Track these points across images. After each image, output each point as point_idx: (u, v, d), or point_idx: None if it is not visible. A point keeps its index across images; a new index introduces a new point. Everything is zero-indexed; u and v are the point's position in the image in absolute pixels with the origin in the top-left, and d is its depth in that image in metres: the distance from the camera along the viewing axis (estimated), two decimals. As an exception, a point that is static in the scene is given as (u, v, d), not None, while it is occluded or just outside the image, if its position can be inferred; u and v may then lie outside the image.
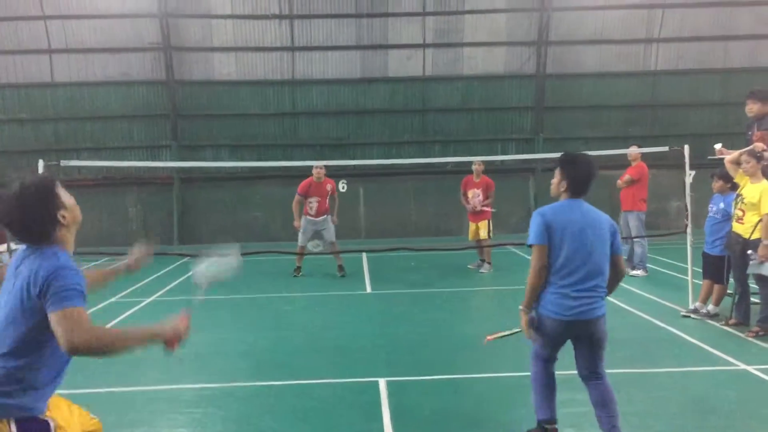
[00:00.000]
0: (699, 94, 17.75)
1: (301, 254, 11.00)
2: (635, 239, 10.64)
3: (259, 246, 12.49)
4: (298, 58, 17.37)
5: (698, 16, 17.36)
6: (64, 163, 7.20)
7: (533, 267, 3.96)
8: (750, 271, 6.70)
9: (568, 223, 3.93)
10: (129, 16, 16.45)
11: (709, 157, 7.80)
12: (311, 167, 11.07)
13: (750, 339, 6.58)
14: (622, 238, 11.10)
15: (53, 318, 2.49)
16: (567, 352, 4.14)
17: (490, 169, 12.14)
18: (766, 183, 6.67)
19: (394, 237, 16.74)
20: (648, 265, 10.72)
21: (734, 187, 7.12)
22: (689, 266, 8.01)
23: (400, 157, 16.80)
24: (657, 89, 17.92)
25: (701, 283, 7.65)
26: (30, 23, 16.51)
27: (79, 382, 5.13)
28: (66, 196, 2.80)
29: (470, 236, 11.66)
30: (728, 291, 7.43)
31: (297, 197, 10.89)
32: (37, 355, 2.61)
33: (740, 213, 6.81)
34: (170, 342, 2.75)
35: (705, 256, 7.53)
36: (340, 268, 11.09)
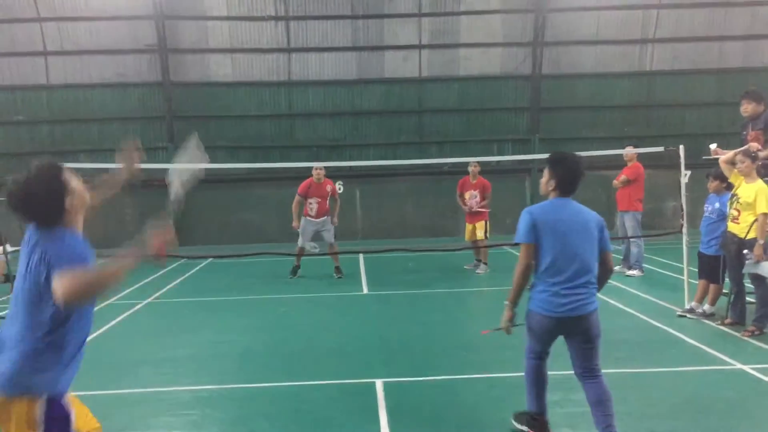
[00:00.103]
0: (694, 94, 17.80)
1: (300, 255, 10.97)
2: (631, 239, 10.66)
3: (255, 248, 12.48)
4: (294, 60, 17.37)
5: (693, 16, 17.41)
6: (59, 165, 7.18)
7: (519, 264, 4.07)
8: (746, 270, 6.72)
9: (556, 222, 3.99)
10: (125, 18, 16.42)
11: (705, 157, 7.82)
12: (308, 168, 11.06)
13: (746, 338, 6.60)
14: (619, 238, 11.19)
15: (53, 283, 2.63)
16: (563, 352, 4.15)
17: (486, 169, 12.15)
18: (761, 182, 6.70)
19: (391, 238, 16.74)
20: (644, 265, 10.74)
21: (730, 187, 7.13)
22: (685, 266, 8.03)
23: (397, 158, 16.78)
24: (652, 89, 17.97)
25: (697, 282, 7.66)
26: (25, 25, 16.47)
27: (75, 384, 5.11)
28: (73, 182, 2.93)
29: (467, 237, 11.68)
30: (724, 291, 7.44)
31: (297, 198, 10.87)
32: (61, 331, 2.78)
33: (736, 213, 6.83)
34: (155, 254, 2.82)
35: (701, 255, 7.55)
36: (338, 269, 11.08)
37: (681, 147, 8.03)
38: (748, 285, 7.00)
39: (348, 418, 4.77)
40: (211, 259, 13.07)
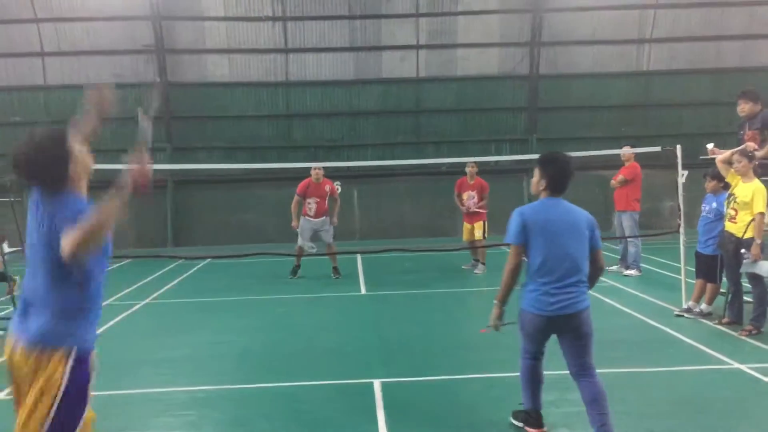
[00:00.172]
0: (691, 94, 17.83)
1: (299, 255, 10.95)
2: (629, 239, 10.67)
3: (253, 248, 12.46)
4: (291, 60, 17.37)
5: (690, 16, 17.45)
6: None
7: (508, 264, 4.11)
8: (743, 270, 6.73)
9: (546, 222, 4.03)
10: (122, 19, 16.42)
11: (702, 157, 7.83)
12: (306, 169, 11.05)
13: (743, 338, 6.61)
14: (616, 237, 11.21)
15: (61, 244, 2.70)
16: (559, 352, 4.16)
17: (484, 169, 12.17)
18: (758, 182, 6.71)
19: (389, 238, 16.74)
20: (641, 264, 10.75)
21: (727, 186, 7.14)
22: (682, 266, 8.04)
23: (394, 158, 16.78)
24: (649, 89, 18.00)
25: (694, 282, 7.68)
26: (22, 26, 16.46)
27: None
28: (77, 148, 3.00)
29: (464, 236, 11.69)
30: (721, 290, 7.46)
31: (296, 198, 10.86)
32: (84, 290, 2.94)
33: (733, 212, 6.84)
34: (137, 186, 2.81)
35: (698, 255, 7.56)
36: (335, 270, 11.08)
37: (678, 147, 8.05)
38: (746, 284, 7.01)
39: (346, 419, 4.77)
40: (209, 260, 13.06)
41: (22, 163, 2.92)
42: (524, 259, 4.12)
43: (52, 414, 2.83)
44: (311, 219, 10.80)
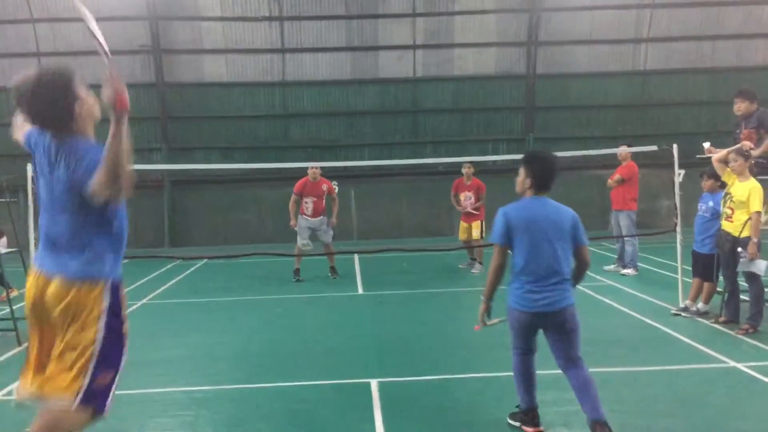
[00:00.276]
0: (688, 93, 17.87)
1: (299, 255, 10.84)
2: (626, 238, 10.69)
3: (250, 248, 12.46)
4: (288, 60, 17.36)
5: (686, 15, 17.48)
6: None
7: (492, 264, 4.23)
8: (740, 268, 6.74)
9: (530, 222, 4.11)
10: (118, 19, 16.38)
11: (698, 156, 7.85)
12: (303, 169, 11.02)
13: (740, 336, 6.62)
14: (614, 237, 11.22)
15: (92, 188, 2.83)
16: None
17: (481, 169, 12.16)
18: (754, 181, 6.73)
19: (386, 238, 16.75)
20: (638, 264, 10.77)
21: (724, 185, 7.15)
22: (679, 265, 8.05)
23: (392, 158, 16.81)
24: (646, 89, 18.03)
25: (691, 281, 7.69)
26: (18, 26, 16.43)
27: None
28: (84, 92, 3.04)
29: (460, 236, 11.68)
30: (718, 289, 7.47)
31: (293, 197, 10.82)
32: (113, 225, 3.10)
33: (729, 211, 6.85)
34: (116, 104, 2.80)
35: (695, 254, 7.57)
36: (333, 269, 11.07)
37: (675, 146, 8.07)
38: (742, 283, 7.02)
39: (343, 418, 4.76)
40: (206, 260, 13.05)
41: (25, 97, 2.91)
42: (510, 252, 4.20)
43: (98, 342, 3.00)
44: (308, 218, 10.77)
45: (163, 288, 10.60)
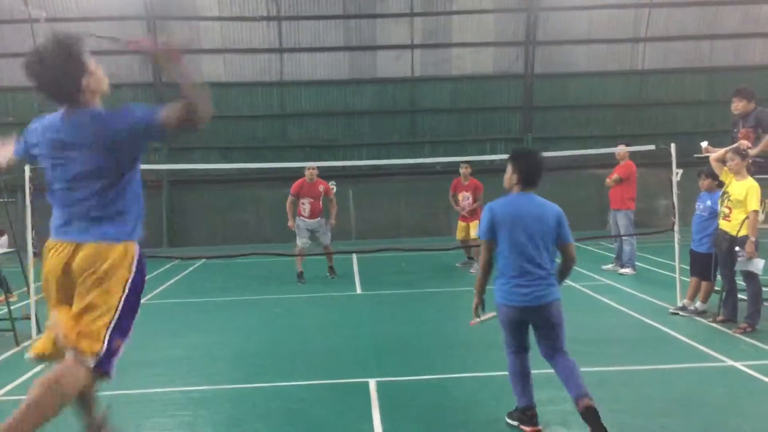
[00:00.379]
0: (686, 92, 17.90)
1: (300, 256, 10.78)
2: (624, 238, 10.69)
3: (248, 248, 12.46)
4: (286, 60, 17.36)
5: (684, 15, 17.50)
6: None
7: (480, 259, 4.35)
8: (738, 267, 6.75)
9: (514, 217, 4.17)
10: (116, 19, 16.38)
11: (696, 156, 7.85)
12: (301, 169, 11.01)
13: (737, 335, 6.62)
14: (612, 236, 11.22)
15: (163, 119, 3.05)
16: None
17: (479, 169, 12.16)
18: (751, 180, 6.73)
19: (384, 238, 16.75)
20: (636, 263, 10.77)
21: (722, 184, 7.15)
22: (677, 264, 8.06)
23: (390, 157, 16.81)
24: (644, 88, 18.05)
25: (689, 280, 7.70)
26: (16, 26, 16.41)
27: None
28: (92, 64, 3.09)
29: (458, 235, 11.67)
30: (716, 288, 7.48)
31: (290, 198, 10.79)
32: (132, 190, 3.28)
33: (727, 210, 6.86)
34: (158, 57, 2.93)
35: (692, 253, 7.58)
36: (331, 269, 11.07)
37: (673, 145, 8.07)
38: (740, 282, 7.03)
39: (341, 418, 4.76)
40: (204, 260, 13.04)
41: (33, 66, 2.94)
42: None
43: (121, 304, 3.17)
44: (306, 219, 10.73)
45: (161, 288, 10.59)
